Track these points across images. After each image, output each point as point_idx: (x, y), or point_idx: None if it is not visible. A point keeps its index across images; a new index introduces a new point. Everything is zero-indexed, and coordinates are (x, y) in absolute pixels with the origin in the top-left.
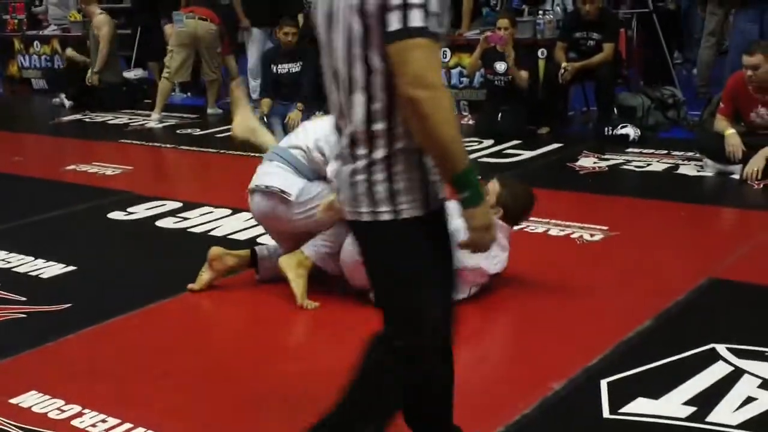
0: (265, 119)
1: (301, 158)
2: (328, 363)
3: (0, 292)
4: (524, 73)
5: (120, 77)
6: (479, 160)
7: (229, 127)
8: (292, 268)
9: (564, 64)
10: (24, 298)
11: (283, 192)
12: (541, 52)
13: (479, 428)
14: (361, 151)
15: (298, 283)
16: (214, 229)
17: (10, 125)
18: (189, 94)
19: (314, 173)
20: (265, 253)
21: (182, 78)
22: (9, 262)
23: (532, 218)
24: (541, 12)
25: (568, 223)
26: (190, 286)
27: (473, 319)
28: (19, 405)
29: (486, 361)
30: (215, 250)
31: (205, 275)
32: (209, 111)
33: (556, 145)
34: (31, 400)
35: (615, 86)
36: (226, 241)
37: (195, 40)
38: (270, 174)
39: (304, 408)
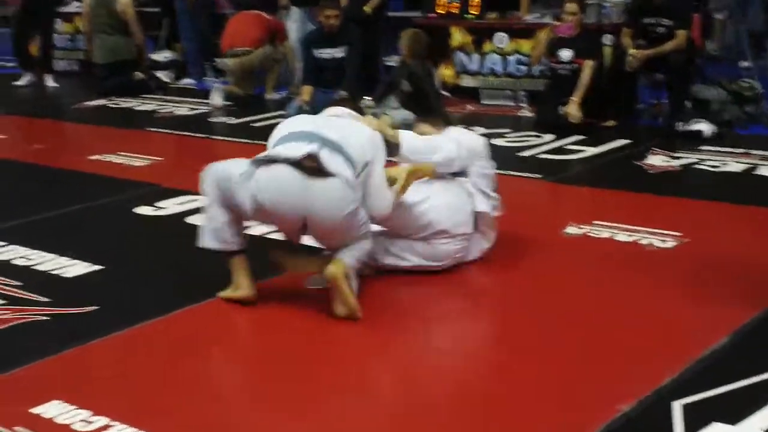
0: (306, 108)
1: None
2: (366, 370)
3: (21, 292)
4: (589, 62)
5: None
6: (538, 156)
7: (267, 115)
8: (345, 280)
9: (631, 51)
10: (47, 299)
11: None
12: (608, 38)
13: None
14: None
15: (351, 295)
16: (249, 227)
17: (30, 110)
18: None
19: None
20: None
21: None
22: (30, 260)
23: (596, 222)
24: None
25: (636, 227)
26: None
27: (534, 335)
28: (41, 415)
29: (548, 380)
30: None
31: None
32: (267, 96)
33: (622, 141)
34: (54, 410)
35: (689, 77)
36: (263, 241)
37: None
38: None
39: (342, 416)
